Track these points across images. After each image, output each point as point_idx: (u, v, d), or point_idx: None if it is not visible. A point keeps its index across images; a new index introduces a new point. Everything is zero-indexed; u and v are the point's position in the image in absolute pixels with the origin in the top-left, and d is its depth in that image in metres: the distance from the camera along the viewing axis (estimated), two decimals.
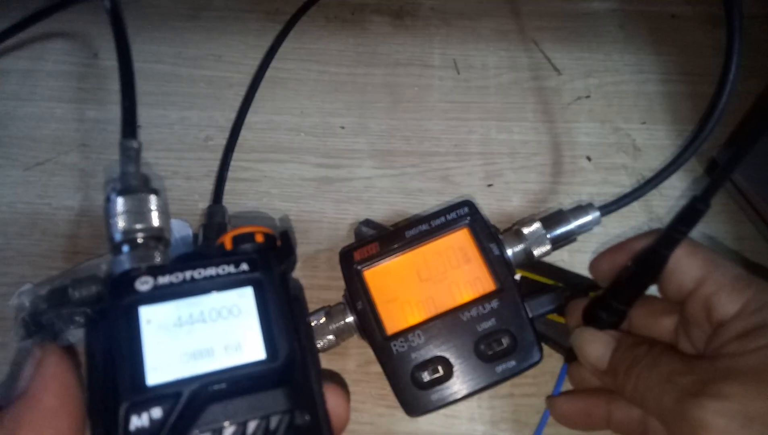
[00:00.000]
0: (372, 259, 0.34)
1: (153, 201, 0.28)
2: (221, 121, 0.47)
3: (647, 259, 0.27)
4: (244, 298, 0.25)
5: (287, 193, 0.44)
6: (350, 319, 0.33)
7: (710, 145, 0.41)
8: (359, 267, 0.34)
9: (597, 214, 0.35)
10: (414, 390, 0.31)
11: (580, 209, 0.35)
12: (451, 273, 0.33)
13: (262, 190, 0.44)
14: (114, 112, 0.48)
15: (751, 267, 0.41)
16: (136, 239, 0.27)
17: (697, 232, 0.42)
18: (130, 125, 0.30)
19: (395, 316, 0.32)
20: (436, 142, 0.47)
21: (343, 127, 0.47)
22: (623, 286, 0.28)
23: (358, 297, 0.33)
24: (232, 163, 0.45)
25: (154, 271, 0.24)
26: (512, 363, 0.31)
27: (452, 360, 0.31)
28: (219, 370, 0.23)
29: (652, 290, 0.29)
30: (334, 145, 0.46)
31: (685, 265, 0.26)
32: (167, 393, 0.22)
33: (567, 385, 0.32)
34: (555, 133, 0.47)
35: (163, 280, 0.24)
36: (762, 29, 0.53)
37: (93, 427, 0.22)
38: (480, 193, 0.44)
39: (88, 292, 0.37)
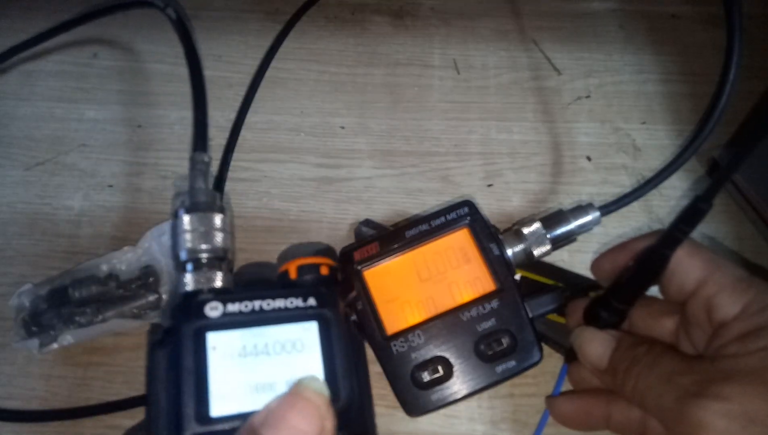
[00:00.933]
0: (372, 259, 0.34)
1: (218, 220, 0.28)
2: (221, 121, 0.47)
3: (649, 258, 0.27)
4: (309, 333, 0.25)
5: (287, 193, 0.44)
6: (350, 318, 0.33)
7: (711, 146, 0.41)
8: (359, 267, 0.33)
9: (597, 214, 0.35)
10: (414, 390, 0.31)
11: (580, 209, 0.35)
12: (451, 273, 0.33)
13: (262, 190, 0.44)
14: (114, 111, 0.48)
15: (752, 267, 0.41)
16: (200, 259, 0.27)
17: (697, 232, 0.42)
18: (201, 139, 0.31)
19: (395, 316, 0.32)
20: (436, 142, 0.47)
21: (343, 127, 0.47)
22: (624, 286, 0.28)
23: (357, 297, 0.33)
24: (232, 163, 0.45)
25: (224, 298, 0.24)
26: (512, 363, 0.31)
27: (452, 360, 0.31)
28: None
29: (654, 291, 0.29)
30: (334, 145, 0.46)
31: (686, 266, 0.26)
32: (230, 427, 0.22)
33: (567, 386, 0.32)
34: (555, 133, 0.47)
35: (233, 307, 0.24)
36: (762, 29, 0.52)
37: None
38: (480, 193, 0.44)
39: (88, 292, 0.38)
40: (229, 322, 0.24)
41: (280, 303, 0.25)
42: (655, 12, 0.55)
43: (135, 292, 0.38)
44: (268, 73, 0.50)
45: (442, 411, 0.32)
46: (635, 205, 0.38)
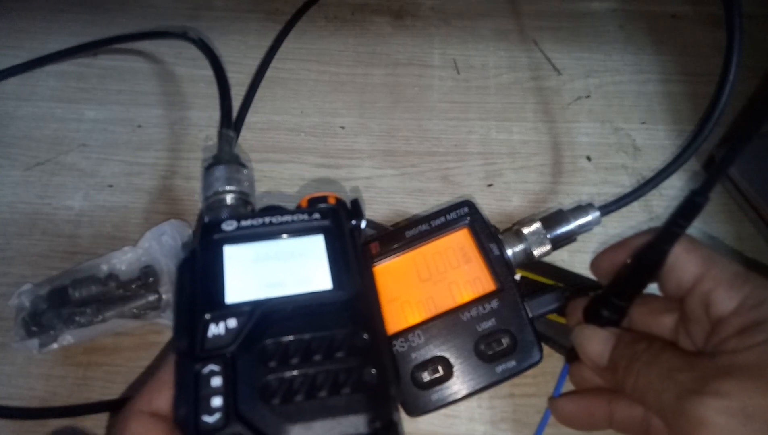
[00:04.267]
0: (372, 259, 0.34)
1: (243, 172, 0.34)
2: None
3: (647, 254, 0.27)
4: (316, 241, 0.28)
5: (287, 193, 0.44)
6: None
7: (709, 144, 0.41)
8: None
9: (597, 214, 0.35)
10: (414, 390, 0.31)
11: (580, 209, 0.35)
12: (451, 273, 0.33)
13: (262, 190, 0.44)
14: (114, 111, 0.48)
15: (751, 265, 0.41)
16: (226, 199, 0.32)
17: (697, 231, 0.42)
18: (227, 118, 0.41)
19: (395, 316, 0.32)
20: (436, 142, 0.47)
21: (343, 127, 0.47)
22: (623, 283, 0.28)
23: None
24: None
25: (239, 216, 0.28)
26: (512, 363, 0.31)
27: (452, 360, 0.31)
28: (290, 294, 0.26)
29: (653, 290, 0.29)
30: (334, 145, 0.46)
31: (683, 262, 0.26)
32: (243, 310, 0.25)
33: (567, 386, 0.32)
34: (555, 133, 0.47)
35: (246, 223, 0.28)
36: (762, 29, 0.53)
37: (177, 339, 0.24)
38: (480, 193, 0.44)
39: (88, 292, 0.38)
40: (242, 235, 0.27)
41: (287, 218, 0.28)
42: (655, 12, 0.55)
43: (135, 292, 0.38)
44: (268, 73, 0.50)
45: (442, 411, 0.32)
46: (635, 205, 0.38)
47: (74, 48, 0.50)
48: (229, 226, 0.27)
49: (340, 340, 0.24)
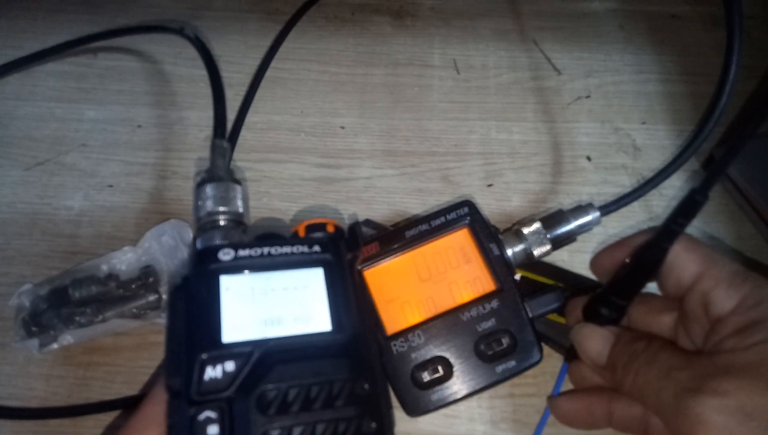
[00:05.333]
0: (372, 259, 0.34)
1: (236, 189, 0.32)
2: None
3: (647, 252, 0.27)
4: (315, 276, 0.27)
5: (287, 193, 0.44)
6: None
7: (709, 145, 0.41)
8: (359, 267, 0.33)
9: (597, 214, 0.35)
10: (414, 390, 0.31)
11: (580, 209, 0.35)
12: (451, 273, 0.33)
13: (262, 190, 0.44)
14: (113, 111, 0.48)
15: (751, 264, 0.41)
16: (219, 221, 0.30)
17: (697, 231, 0.42)
18: (221, 127, 0.38)
19: (395, 316, 0.32)
20: (436, 142, 0.47)
21: (343, 127, 0.47)
22: (623, 281, 0.28)
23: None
24: (233, 163, 0.45)
25: (236, 245, 0.27)
26: (512, 363, 0.31)
27: (452, 360, 0.31)
28: (288, 335, 0.25)
29: (652, 289, 0.29)
30: (334, 145, 0.46)
31: (683, 261, 0.26)
32: (240, 351, 0.24)
33: (567, 385, 0.32)
34: (555, 133, 0.47)
35: (243, 253, 0.26)
36: (762, 29, 0.53)
37: (169, 377, 0.23)
38: (480, 193, 0.44)
39: (88, 292, 0.38)
40: (240, 266, 0.26)
41: (287, 249, 0.27)
42: (655, 12, 0.55)
43: (135, 292, 0.38)
44: (268, 73, 0.50)
45: (442, 411, 0.32)
46: (635, 205, 0.38)
47: (70, 42, 0.50)
48: (226, 255, 0.26)
49: (340, 387, 0.24)
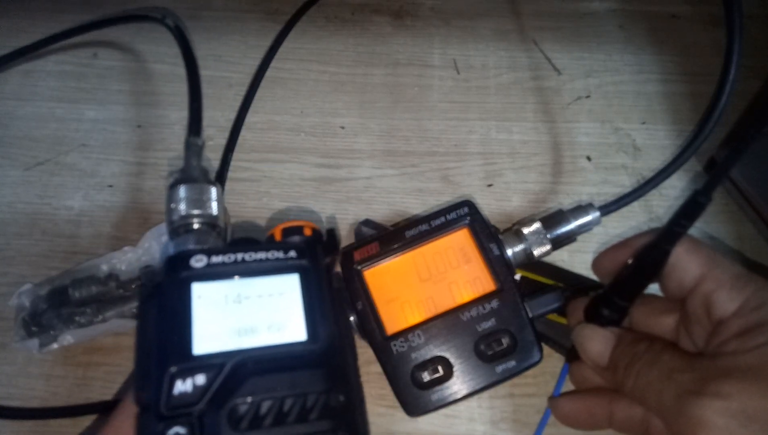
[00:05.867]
0: (372, 259, 0.34)
1: (210, 191, 0.30)
2: (221, 121, 0.47)
3: (649, 254, 0.27)
4: (291, 282, 0.26)
5: (287, 193, 0.44)
6: (350, 318, 0.33)
7: (710, 145, 0.41)
8: (359, 267, 0.33)
9: (597, 214, 0.35)
10: (414, 390, 0.31)
11: (580, 209, 0.35)
12: (451, 273, 0.33)
13: (262, 190, 0.44)
14: (114, 111, 0.48)
15: (751, 265, 0.41)
16: (193, 224, 0.29)
17: (698, 232, 0.42)
18: (196, 124, 0.34)
19: (395, 316, 0.32)
20: (436, 142, 0.47)
21: (343, 127, 0.47)
22: (625, 282, 0.28)
23: (357, 297, 0.33)
24: (232, 163, 0.45)
25: (209, 251, 0.26)
26: (512, 363, 0.31)
27: (452, 360, 0.31)
28: (262, 346, 0.24)
29: (654, 290, 0.29)
30: (334, 145, 0.46)
31: (685, 263, 0.26)
32: (212, 363, 0.23)
33: (567, 386, 0.32)
34: (555, 133, 0.47)
35: (216, 259, 0.26)
36: (762, 29, 0.52)
37: (138, 390, 0.23)
38: (480, 193, 0.44)
39: (88, 292, 0.38)
40: (213, 273, 0.25)
41: (261, 255, 0.26)
42: (655, 12, 0.55)
43: (135, 292, 0.38)
44: (268, 73, 0.50)
45: (442, 411, 0.32)
46: (635, 205, 0.38)
47: (62, 33, 0.49)
48: (198, 262, 0.25)
49: (314, 400, 0.23)
